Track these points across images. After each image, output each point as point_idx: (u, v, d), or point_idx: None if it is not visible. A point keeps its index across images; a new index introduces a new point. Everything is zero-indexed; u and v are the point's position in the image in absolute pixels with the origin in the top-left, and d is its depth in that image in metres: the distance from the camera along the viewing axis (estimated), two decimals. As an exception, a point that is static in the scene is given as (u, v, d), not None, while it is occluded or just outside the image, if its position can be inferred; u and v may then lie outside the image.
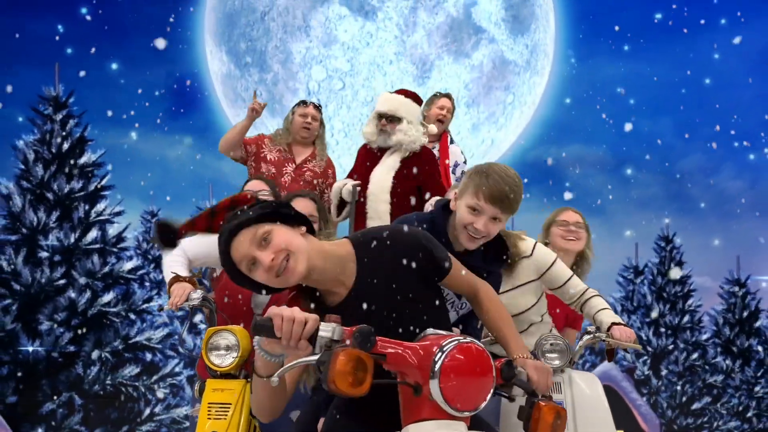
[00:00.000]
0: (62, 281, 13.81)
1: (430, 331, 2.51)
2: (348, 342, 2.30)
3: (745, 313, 17.72)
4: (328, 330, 2.32)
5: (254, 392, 2.78)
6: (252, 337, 2.46)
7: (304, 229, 2.80)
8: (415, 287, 2.87)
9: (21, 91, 15.12)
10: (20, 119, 15.19)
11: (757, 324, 17.76)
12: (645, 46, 16.42)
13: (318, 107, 6.86)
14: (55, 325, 13.83)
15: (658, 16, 16.06)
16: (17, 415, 13.62)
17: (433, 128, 6.64)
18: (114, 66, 15.07)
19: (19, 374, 14.19)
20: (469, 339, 2.40)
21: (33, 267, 13.92)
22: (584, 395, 4.29)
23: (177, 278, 4.36)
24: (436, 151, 6.88)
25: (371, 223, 5.93)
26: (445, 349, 2.34)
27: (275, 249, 2.65)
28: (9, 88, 14.99)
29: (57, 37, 15.57)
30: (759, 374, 17.00)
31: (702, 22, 16.04)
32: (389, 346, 2.40)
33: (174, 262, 4.57)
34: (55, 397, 13.73)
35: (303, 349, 2.33)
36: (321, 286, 2.86)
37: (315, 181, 6.70)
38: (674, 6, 15.99)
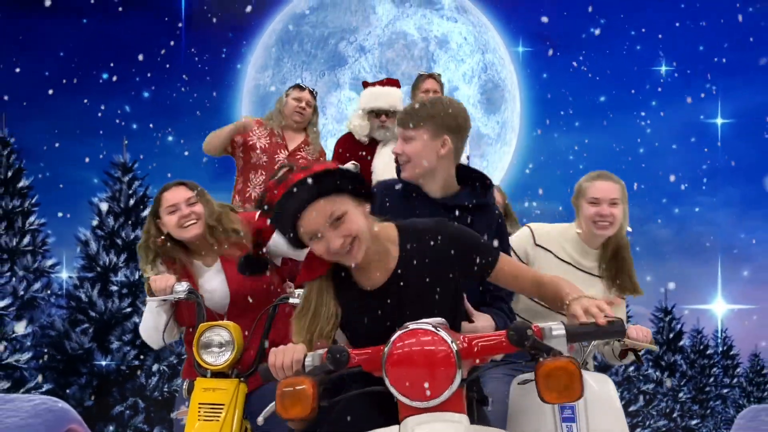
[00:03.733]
0: (128, 309, 14.59)
1: (408, 323, 2.13)
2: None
3: (671, 335, 18.35)
4: (310, 360, 2.17)
5: None
6: (263, 379, 2.29)
7: (368, 207, 2.47)
8: (454, 281, 2.51)
9: (96, 160, 15.63)
10: (95, 181, 15.81)
11: (681, 343, 18.39)
12: (592, 122, 16.79)
13: (313, 93, 5.81)
14: (123, 344, 14.59)
15: (602, 98, 16.58)
16: (93, 416, 14.03)
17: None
18: (170, 138, 15.57)
19: (95, 383, 14.87)
20: (420, 325, 2.07)
21: (105, 298, 14.75)
22: (597, 396, 3.55)
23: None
24: None
25: None
26: (390, 339, 2.06)
27: (345, 233, 2.34)
28: (87, 159, 15.65)
29: (124, 116, 16.08)
30: (682, 383, 17.75)
31: (636, 102, 16.62)
32: (361, 355, 2.14)
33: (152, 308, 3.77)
34: (123, 402, 14.32)
35: None
36: (362, 265, 2.47)
37: None
38: (615, 90, 16.52)
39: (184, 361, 3.98)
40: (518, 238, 3.84)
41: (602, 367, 16.81)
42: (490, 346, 2.11)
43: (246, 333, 3.48)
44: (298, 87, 5.79)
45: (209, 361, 3.35)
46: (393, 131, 5.17)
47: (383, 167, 5.18)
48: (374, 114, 5.33)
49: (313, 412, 2.04)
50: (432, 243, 2.49)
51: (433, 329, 2.05)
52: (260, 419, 2.23)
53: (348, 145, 5.48)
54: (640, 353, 3.73)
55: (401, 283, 2.48)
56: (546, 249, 3.78)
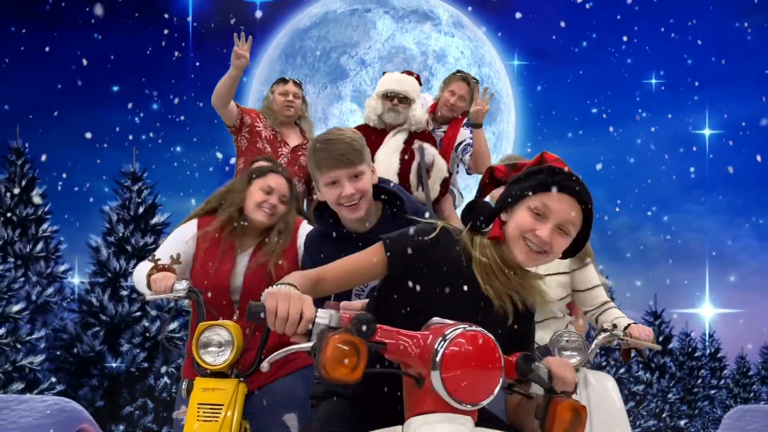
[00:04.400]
0: (138, 313, 14.79)
1: (435, 319, 2.05)
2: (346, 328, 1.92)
3: (661, 338, 18.40)
4: (324, 318, 1.97)
5: None
6: (247, 321, 2.04)
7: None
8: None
9: (107, 169, 15.90)
10: (106, 189, 15.98)
11: (670, 346, 18.58)
12: (584, 133, 16.88)
13: (298, 84, 5.48)
14: (133, 347, 14.77)
15: (594, 110, 16.70)
16: (104, 416, 14.34)
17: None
18: (178, 149, 15.68)
19: (106, 384, 15.04)
20: (475, 327, 1.94)
21: (116, 302, 14.91)
22: (600, 395, 3.53)
23: (156, 267, 3.48)
24: (441, 132, 5.48)
25: None
26: (447, 337, 1.91)
27: (555, 243, 2.22)
28: (97, 168, 15.56)
29: (134, 127, 16.15)
30: (671, 384, 18.04)
31: (627, 113, 16.82)
32: (390, 335, 1.99)
33: (145, 268, 3.60)
34: (132, 402, 14.54)
35: (297, 340, 1.97)
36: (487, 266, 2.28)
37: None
38: (606, 102, 16.75)
39: (184, 361, 3.89)
40: None
41: (595, 366, 17.01)
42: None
43: (247, 331, 3.39)
44: (282, 81, 5.52)
45: (208, 360, 3.23)
46: (404, 115, 5.02)
47: (384, 158, 4.97)
48: (387, 97, 5.06)
49: (359, 379, 1.87)
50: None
51: (485, 332, 1.95)
52: (265, 365, 1.98)
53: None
54: (643, 352, 3.63)
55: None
56: None
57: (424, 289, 2.28)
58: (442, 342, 1.90)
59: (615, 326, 3.56)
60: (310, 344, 1.92)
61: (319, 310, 1.97)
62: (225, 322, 3.27)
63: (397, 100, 5.00)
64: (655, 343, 3.54)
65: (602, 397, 3.48)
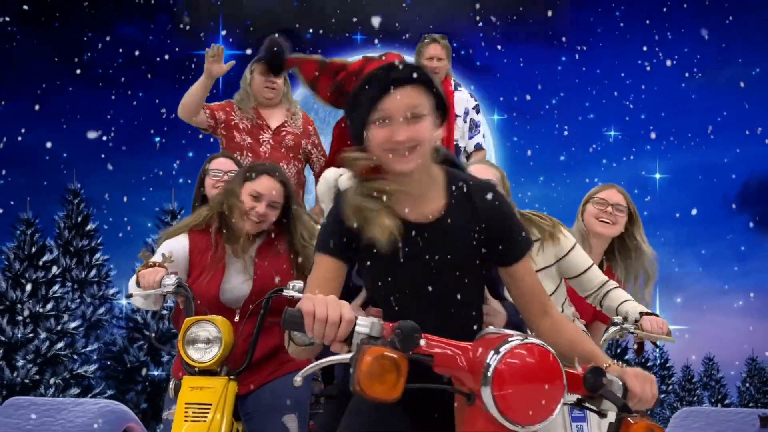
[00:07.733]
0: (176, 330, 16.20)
1: (491, 329, 1.74)
2: (388, 339, 1.60)
3: (618, 351, 19.78)
4: (365, 326, 1.64)
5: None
6: (282, 331, 1.89)
7: (439, 132, 1.98)
8: (479, 253, 2.02)
9: (150, 207, 17.29)
10: (149, 225, 17.41)
11: (627, 357, 19.73)
12: (553, 177, 18.22)
13: None
14: (172, 358, 15.96)
15: (562, 158, 18.31)
16: (147, 417, 15.51)
17: None
18: None
19: (149, 390, 16.40)
20: (532, 339, 1.66)
21: (157, 321, 15.07)
22: None
23: (146, 265, 3.11)
24: None
25: None
26: (500, 350, 1.62)
27: (413, 134, 1.88)
28: (142, 206, 17.30)
29: (173, 172, 17.63)
30: None
31: (589, 160, 18.57)
32: (437, 345, 1.67)
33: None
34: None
35: (338, 348, 1.66)
36: (410, 192, 1.97)
37: (302, 142, 4.69)
38: (572, 151, 18.63)
39: (174, 360, 3.53)
40: None
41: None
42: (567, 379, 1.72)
43: (236, 320, 3.16)
44: (261, 60, 4.54)
45: (195, 357, 2.92)
46: None
47: None
48: None
49: (398, 397, 1.57)
50: (478, 204, 2.02)
51: (544, 345, 1.67)
52: (298, 379, 1.69)
53: (344, 134, 4.13)
54: (657, 345, 3.23)
55: (446, 232, 2.00)
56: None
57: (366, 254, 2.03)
58: (495, 355, 1.64)
59: (625, 319, 3.09)
60: (350, 355, 1.62)
61: (360, 317, 1.67)
62: (212, 317, 2.96)
63: None
64: (671, 337, 3.10)
65: None
